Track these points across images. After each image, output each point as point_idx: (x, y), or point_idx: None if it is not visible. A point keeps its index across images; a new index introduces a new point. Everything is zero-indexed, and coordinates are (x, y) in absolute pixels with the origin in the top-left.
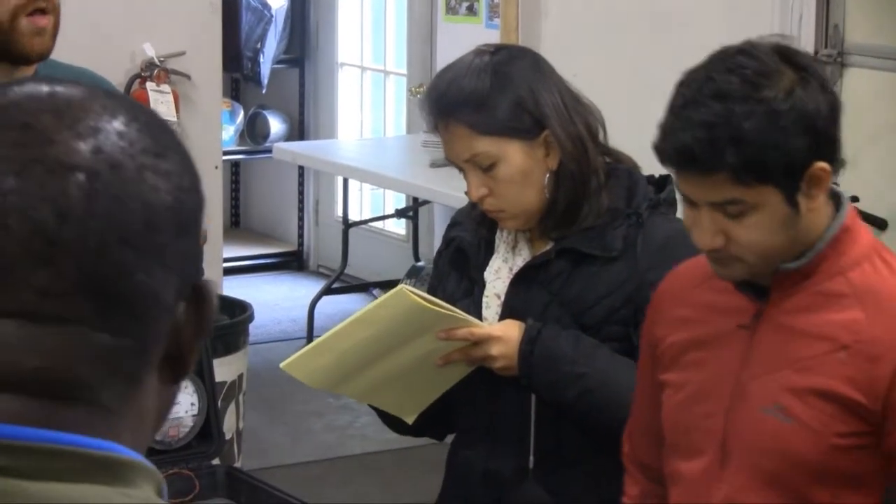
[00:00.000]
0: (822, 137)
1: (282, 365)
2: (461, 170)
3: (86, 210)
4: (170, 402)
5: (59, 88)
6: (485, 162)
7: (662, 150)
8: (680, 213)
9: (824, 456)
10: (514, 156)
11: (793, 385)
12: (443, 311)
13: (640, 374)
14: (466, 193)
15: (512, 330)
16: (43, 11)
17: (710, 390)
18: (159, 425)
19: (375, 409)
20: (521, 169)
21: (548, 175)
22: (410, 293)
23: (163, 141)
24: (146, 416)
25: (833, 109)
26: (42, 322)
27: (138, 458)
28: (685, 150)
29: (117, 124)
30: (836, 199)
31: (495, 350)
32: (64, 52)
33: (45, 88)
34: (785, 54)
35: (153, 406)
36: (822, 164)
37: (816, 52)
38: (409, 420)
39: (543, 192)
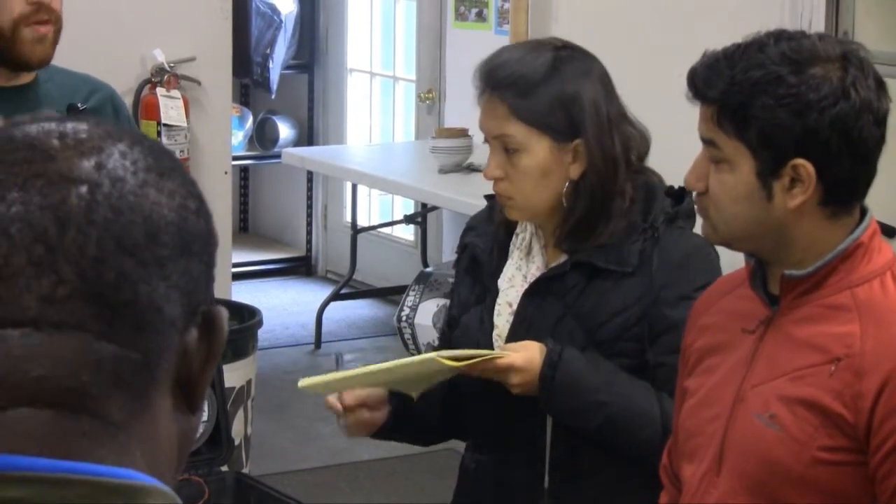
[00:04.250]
0: (809, 132)
1: (300, 384)
2: (488, 142)
3: (86, 218)
4: (190, 433)
5: (68, 122)
6: (510, 145)
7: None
8: (698, 227)
9: (806, 468)
10: (539, 150)
11: (784, 394)
12: (472, 361)
13: (678, 385)
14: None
15: (534, 356)
16: (45, 21)
17: (716, 395)
18: (182, 456)
19: (396, 433)
20: (542, 166)
21: (568, 183)
22: (442, 360)
23: (167, 164)
24: (160, 439)
25: (840, 120)
26: (45, 330)
27: (151, 481)
28: (692, 71)
29: (121, 146)
30: (862, 215)
31: (516, 379)
32: (75, 57)
33: (53, 122)
34: (847, 57)
35: (169, 432)
36: (805, 163)
37: None
38: (415, 396)
39: (559, 197)
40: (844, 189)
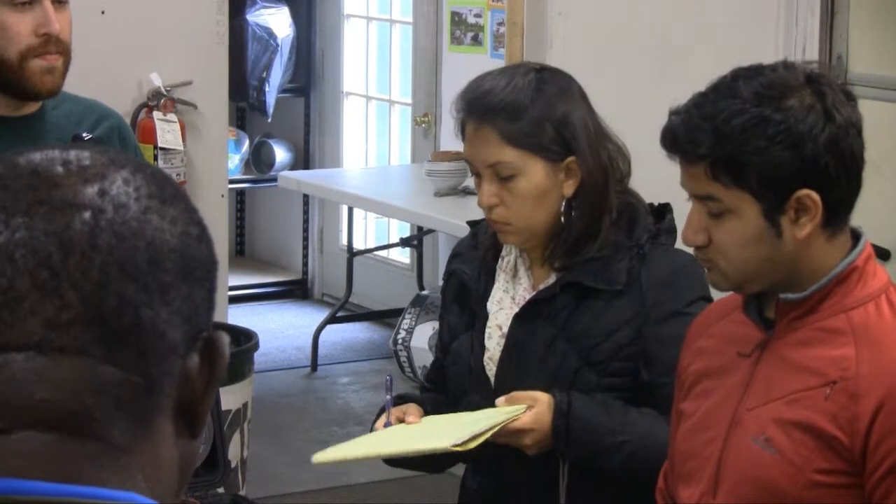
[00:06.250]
0: (808, 162)
1: (315, 460)
2: (476, 175)
3: (89, 244)
4: (190, 457)
5: (72, 150)
6: (505, 172)
7: (661, 133)
8: (679, 242)
9: (803, 491)
10: (535, 173)
11: (780, 417)
12: (486, 436)
13: (673, 408)
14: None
15: (542, 410)
16: (53, 52)
17: (712, 419)
18: (183, 481)
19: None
20: (539, 187)
21: (564, 201)
22: (459, 449)
23: (169, 191)
24: (162, 463)
25: (833, 142)
26: (48, 353)
27: None
28: (670, 132)
29: (124, 173)
30: (855, 238)
31: (529, 440)
32: (72, 80)
33: (57, 150)
34: (813, 79)
35: (171, 456)
36: (809, 192)
37: None
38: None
39: (555, 216)
40: (843, 207)
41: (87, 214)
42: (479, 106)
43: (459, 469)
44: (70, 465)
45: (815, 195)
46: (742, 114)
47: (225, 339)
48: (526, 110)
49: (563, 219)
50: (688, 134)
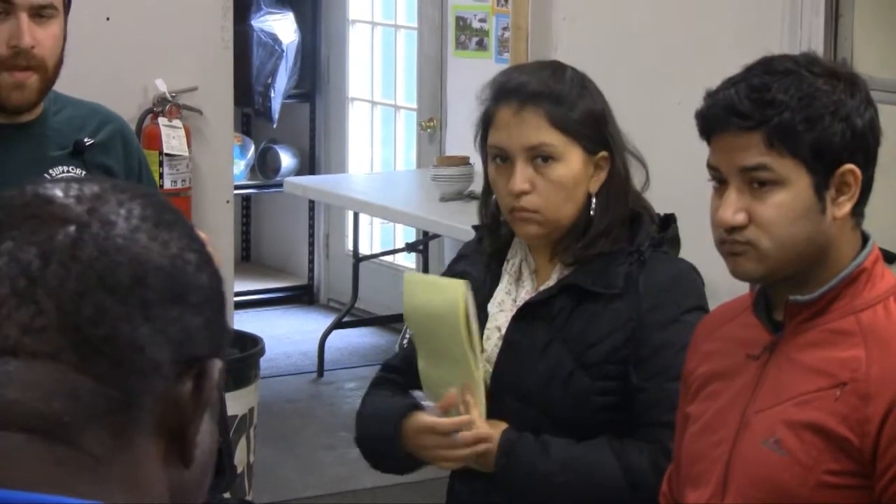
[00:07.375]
0: (858, 138)
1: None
2: (505, 158)
3: (70, 255)
4: (185, 486)
5: (82, 180)
6: (547, 152)
7: (704, 111)
8: (682, 252)
9: (812, 492)
10: (574, 160)
11: (790, 418)
12: (465, 342)
13: (679, 411)
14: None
15: (495, 433)
16: (24, 67)
17: (720, 421)
18: None
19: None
20: (575, 176)
21: (594, 195)
22: (463, 296)
23: (167, 217)
24: (145, 485)
25: (873, 124)
26: (22, 357)
27: None
28: (728, 103)
29: (121, 197)
30: (864, 240)
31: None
32: (77, 86)
33: (66, 181)
34: (842, 72)
35: (157, 480)
36: (853, 167)
37: None
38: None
39: (578, 211)
40: (867, 193)
41: (71, 228)
42: (522, 91)
43: None
44: (39, 468)
45: (857, 171)
46: (799, 83)
47: (216, 364)
48: (569, 99)
49: (595, 211)
50: (746, 101)
